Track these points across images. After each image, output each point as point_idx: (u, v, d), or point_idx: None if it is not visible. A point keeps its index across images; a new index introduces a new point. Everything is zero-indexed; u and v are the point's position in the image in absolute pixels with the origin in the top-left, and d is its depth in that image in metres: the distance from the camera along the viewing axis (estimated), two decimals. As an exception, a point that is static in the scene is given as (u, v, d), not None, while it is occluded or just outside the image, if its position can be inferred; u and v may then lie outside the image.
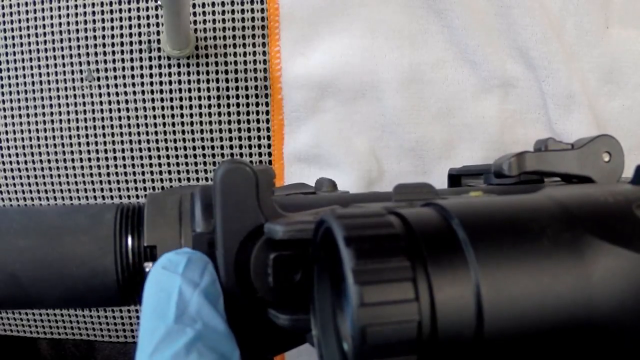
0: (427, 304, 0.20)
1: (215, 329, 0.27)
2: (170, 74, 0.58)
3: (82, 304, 0.33)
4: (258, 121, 0.58)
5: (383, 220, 0.22)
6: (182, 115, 0.58)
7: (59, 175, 0.60)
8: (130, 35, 0.58)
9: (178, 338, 0.25)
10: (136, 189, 0.59)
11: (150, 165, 0.59)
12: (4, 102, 0.60)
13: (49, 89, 0.59)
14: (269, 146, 0.58)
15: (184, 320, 0.26)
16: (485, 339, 0.20)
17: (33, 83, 0.59)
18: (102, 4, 0.57)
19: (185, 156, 0.59)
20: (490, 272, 0.20)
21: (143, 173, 0.59)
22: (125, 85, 0.58)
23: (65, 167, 0.60)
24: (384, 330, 0.19)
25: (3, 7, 0.58)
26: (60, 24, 0.58)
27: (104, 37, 0.58)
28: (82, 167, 0.60)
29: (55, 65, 0.59)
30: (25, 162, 0.60)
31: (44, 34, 0.58)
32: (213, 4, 0.57)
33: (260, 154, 0.59)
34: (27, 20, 0.58)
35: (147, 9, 0.57)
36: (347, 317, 0.24)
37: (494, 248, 0.21)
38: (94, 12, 0.58)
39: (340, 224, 0.21)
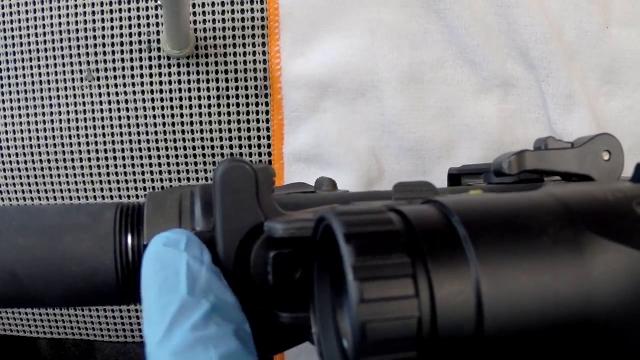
0: (427, 301, 0.20)
1: (226, 301, 0.27)
2: (170, 74, 0.58)
3: (82, 303, 0.33)
4: (258, 121, 0.58)
5: (383, 217, 0.22)
6: (182, 115, 0.58)
7: (59, 175, 0.60)
8: (130, 35, 0.58)
9: (195, 310, 0.25)
10: (136, 189, 0.59)
11: (150, 165, 0.59)
12: (4, 102, 0.60)
13: (49, 89, 0.59)
14: (269, 146, 0.58)
15: (196, 293, 0.26)
16: (486, 336, 0.20)
17: (33, 83, 0.59)
18: (102, 4, 0.57)
19: (185, 156, 0.59)
20: (491, 269, 0.20)
21: (143, 173, 0.59)
22: (125, 85, 0.58)
23: (65, 167, 0.60)
24: (384, 326, 0.19)
25: (3, 7, 0.58)
26: (60, 24, 0.58)
27: (104, 37, 0.58)
28: (82, 167, 0.60)
29: (55, 65, 0.59)
30: (25, 162, 0.60)
31: (44, 34, 0.58)
32: (213, 4, 0.57)
33: (260, 154, 0.59)
34: (27, 20, 0.58)
35: (147, 9, 0.57)
36: (347, 314, 0.24)
37: (494, 245, 0.21)
38: (94, 12, 0.58)
39: (340, 220, 0.21)
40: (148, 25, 0.57)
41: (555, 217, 0.22)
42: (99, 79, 0.58)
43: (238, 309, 0.27)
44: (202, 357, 0.24)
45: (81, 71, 0.58)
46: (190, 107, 0.58)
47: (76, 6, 0.58)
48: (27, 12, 0.58)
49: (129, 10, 0.57)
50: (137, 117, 0.58)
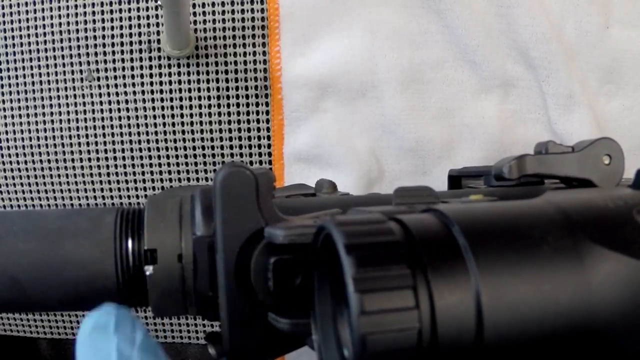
0: (427, 312, 0.20)
1: None
2: (170, 74, 0.58)
3: (82, 307, 0.33)
4: (258, 121, 0.58)
5: (383, 228, 0.22)
6: (182, 115, 0.58)
7: (59, 176, 0.60)
8: (130, 35, 0.57)
9: None
10: (136, 189, 0.59)
11: (150, 165, 0.59)
12: (4, 102, 0.60)
13: (49, 89, 0.59)
14: (269, 146, 0.58)
15: None
16: (486, 346, 0.20)
17: (33, 83, 0.59)
18: (102, 4, 0.57)
19: (185, 156, 0.59)
20: (491, 279, 0.20)
21: (143, 173, 0.59)
22: (125, 85, 0.58)
23: (65, 168, 0.60)
24: (385, 338, 0.19)
25: (3, 7, 0.58)
26: (60, 24, 0.58)
27: (104, 37, 0.58)
28: (82, 167, 0.60)
29: (55, 65, 0.59)
30: (25, 162, 0.60)
31: (44, 34, 0.58)
32: (213, 4, 0.57)
33: (260, 154, 0.59)
34: (27, 20, 0.58)
35: (147, 9, 0.57)
36: (348, 324, 0.24)
37: (494, 255, 0.21)
38: (94, 12, 0.57)
39: (340, 231, 0.21)
40: (148, 25, 0.57)
41: (555, 225, 0.22)
42: (99, 79, 0.58)
43: None
44: None
45: (81, 71, 0.58)
46: (190, 107, 0.58)
47: (76, 6, 0.58)
48: (27, 12, 0.58)
49: (129, 10, 0.57)
50: (137, 117, 0.58)
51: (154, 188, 0.59)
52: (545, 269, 0.21)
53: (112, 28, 0.58)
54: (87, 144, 0.59)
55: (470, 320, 0.20)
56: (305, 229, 0.27)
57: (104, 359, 0.25)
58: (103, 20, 0.57)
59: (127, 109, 0.58)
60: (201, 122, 0.58)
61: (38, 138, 0.60)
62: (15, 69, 0.59)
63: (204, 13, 0.57)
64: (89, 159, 0.59)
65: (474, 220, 0.22)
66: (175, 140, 0.58)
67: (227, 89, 0.58)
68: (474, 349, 0.20)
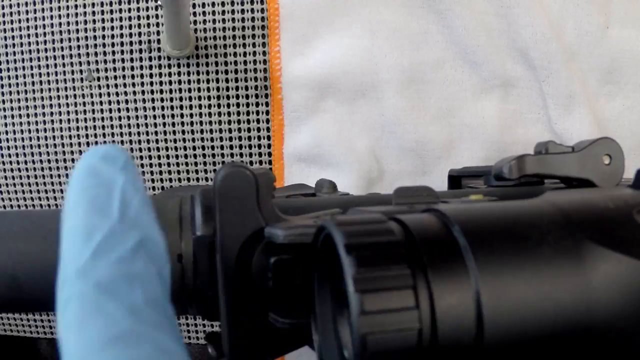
0: (427, 312, 0.20)
1: (153, 238, 0.23)
2: (170, 74, 0.58)
3: (82, 307, 0.33)
4: (258, 121, 0.58)
5: (383, 227, 0.21)
6: (182, 115, 0.58)
7: (59, 175, 0.60)
8: (130, 35, 0.57)
9: (124, 240, 0.22)
10: (136, 189, 0.59)
11: (150, 165, 0.59)
12: (4, 102, 0.60)
13: (49, 89, 0.59)
14: (269, 146, 0.58)
15: (127, 221, 0.23)
16: (486, 346, 0.20)
17: (33, 83, 0.59)
18: (102, 4, 0.57)
19: (185, 156, 0.59)
20: (491, 279, 0.20)
21: (143, 173, 0.59)
22: (125, 85, 0.58)
23: (66, 168, 0.60)
24: (385, 338, 0.19)
25: (3, 7, 0.58)
26: (60, 24, 0.58)
27: (104, 37, 0.58)
28: (82, 167, 0.59)
29: (55, 65, 0.59)
30: (25, 162, 0.60)
31: (44, 34, 0.58)
32: (213, 4, 0.57)
33: (260, 154, 0.59)
34: (27, 20, 0.58)
35: (147, 9, 0.57)
36: (348, 324, 0.24)
37: (495, 255, 0.21)
38: (94, 12, 0.58)
39: (340, 230, 0.21)
40: (148, 25, 0.57)
41: (555, 226, 0.22)
42: (99, 79, 0.58)
43: (163, 249, 0.24)
44: (126, 296, 0.21)
45: (81, 71, 0.58)
46: (190, 107, 0.58)
47: (76, 6, 0.58)
48: (27, 12, 0.58)
49: (129, 10, 0.57)
50: (137, 117, 0.58)
51: (154, 188, 0.59)
52: (546, 269, 0.21)
53: (112, 28, 0.58)
54: (87, 144, 0.59)
55: (471, 320, 0.20)
56: (305, 229, 0.27)
57: (106, 192, 0.23)
58: (103, 20, 0.57)
59: (127, 109, 0.58)
60: (201, 122, 0.58)
61: (38, 138, 0.60)
62: (15, 69, 0.59)
63: (204, 13, 0.57)
64: (89, 159, 0.59)
65: (474, 220, 0.22)
66: (175, 140, 0.58)
67: (227, 89, 0.58)
68: (474, 349, 0.20)
